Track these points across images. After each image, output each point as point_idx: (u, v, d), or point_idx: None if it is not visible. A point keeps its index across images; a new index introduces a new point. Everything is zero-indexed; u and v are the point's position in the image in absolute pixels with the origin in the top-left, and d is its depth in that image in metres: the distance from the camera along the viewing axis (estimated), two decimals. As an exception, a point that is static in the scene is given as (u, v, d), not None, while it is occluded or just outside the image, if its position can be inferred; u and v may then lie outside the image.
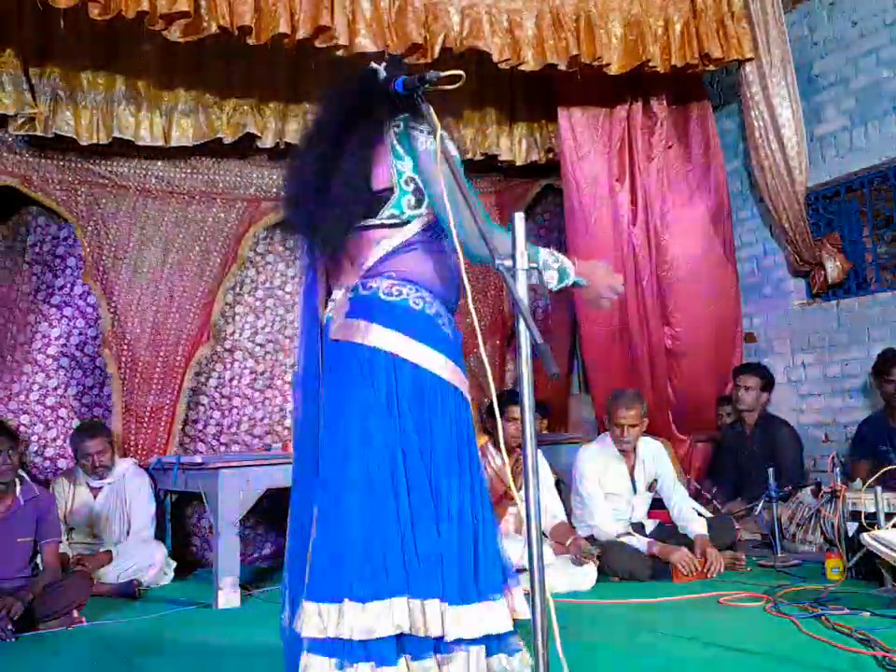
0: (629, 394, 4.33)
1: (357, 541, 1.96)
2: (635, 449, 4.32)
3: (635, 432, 4.24)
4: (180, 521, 5.13)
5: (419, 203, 2.12)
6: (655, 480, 4.37)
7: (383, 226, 2.12)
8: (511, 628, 2.03)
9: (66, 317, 5.13)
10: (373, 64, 2.17)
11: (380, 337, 2.06)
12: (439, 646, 1.98)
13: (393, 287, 2.10)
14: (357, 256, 2.14)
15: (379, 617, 1.90)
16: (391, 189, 2.11)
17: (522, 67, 4.63)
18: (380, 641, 1.91)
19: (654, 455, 4.37)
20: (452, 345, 2.15)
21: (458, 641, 1.97)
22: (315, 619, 1.93)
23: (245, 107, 4.93)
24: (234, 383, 5.44)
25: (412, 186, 2.11)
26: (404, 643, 1.96)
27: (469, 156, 5.37)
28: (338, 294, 2.18)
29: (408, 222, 2.13)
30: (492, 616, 1.99)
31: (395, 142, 2.11)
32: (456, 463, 2.07)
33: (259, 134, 4.96)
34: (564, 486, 5.06)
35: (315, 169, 2.10)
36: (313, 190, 2.09)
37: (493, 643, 2.03)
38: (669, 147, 5.56)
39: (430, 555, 1.98)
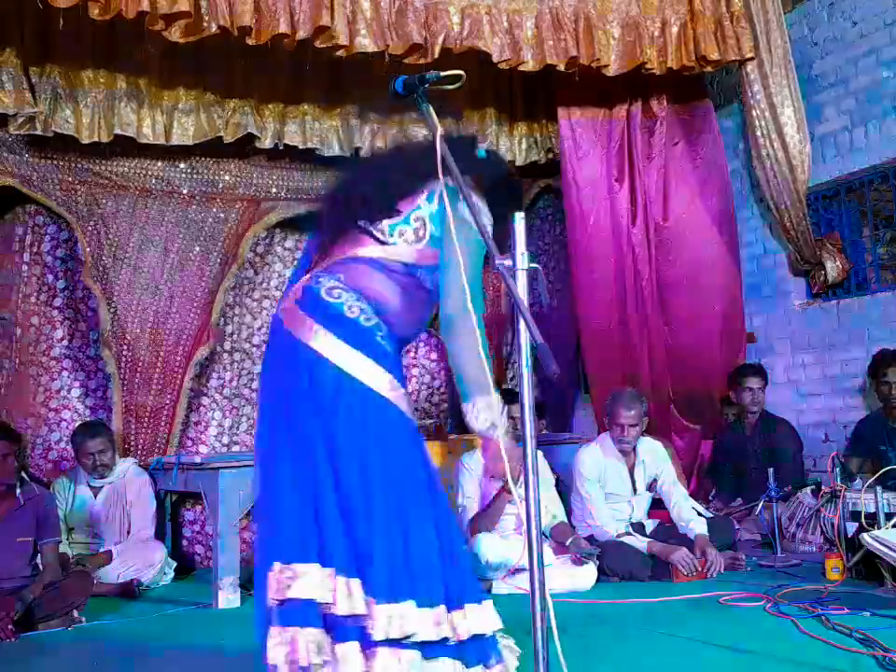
0: (629, 394, 4.33)
1: (287, 511, 2.02)
2: (634, 449, 4.32)
3: (635, 432, 4.24)
4: (180, 521, 5.13)
5: (416, 240, 2.20)
6: (655, 480, 4.37)
7: (370, 234, 2.21)
8: (433, 637, 1.97)
9: (69, 319, 5.13)
10: (481, 145, 2.30)
11: (326, 345, 2.10)
12: (364, 638, 1.96)
13: (334, 289, 2.15)
14: (335, 251, 2.24)
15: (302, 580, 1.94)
16: (400, 214, 2.21)
17: (521, 68, 4.64)
18: (296, 604, 1.93)
19: (654, 455, 4.37)
20: (392, 360, 2.16)
21: (386, 641, 1.94)
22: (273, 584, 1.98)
23: (246, 108, 4.94)
24: (234, 383, 5.45)
25: (418, 223, 2.20)
26: (330, 623, 1.95)
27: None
28: (305, 277, 2.25)
29: (390, 247, 2.20)
30: (418, 620, 1.96)
31: (435, 189, 2.19)
32: (403, 482, 2.07)
33: (258, 135, 4.96)
34: (564, 486, 5.06)
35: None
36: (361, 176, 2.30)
37: (437, 648, 1.99)
38: (675, 144, 5.56)
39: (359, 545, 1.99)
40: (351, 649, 1.94)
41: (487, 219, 2.17)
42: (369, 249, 2.22)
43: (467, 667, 2.02)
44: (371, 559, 1.98)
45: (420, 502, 2.08)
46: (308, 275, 2.23)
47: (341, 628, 1.96)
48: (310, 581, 1.94)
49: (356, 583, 1.97)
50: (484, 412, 2.10)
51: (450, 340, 2.13)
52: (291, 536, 2.00)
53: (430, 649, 1.99)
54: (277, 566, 1.98)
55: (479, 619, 2.04)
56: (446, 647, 2.00)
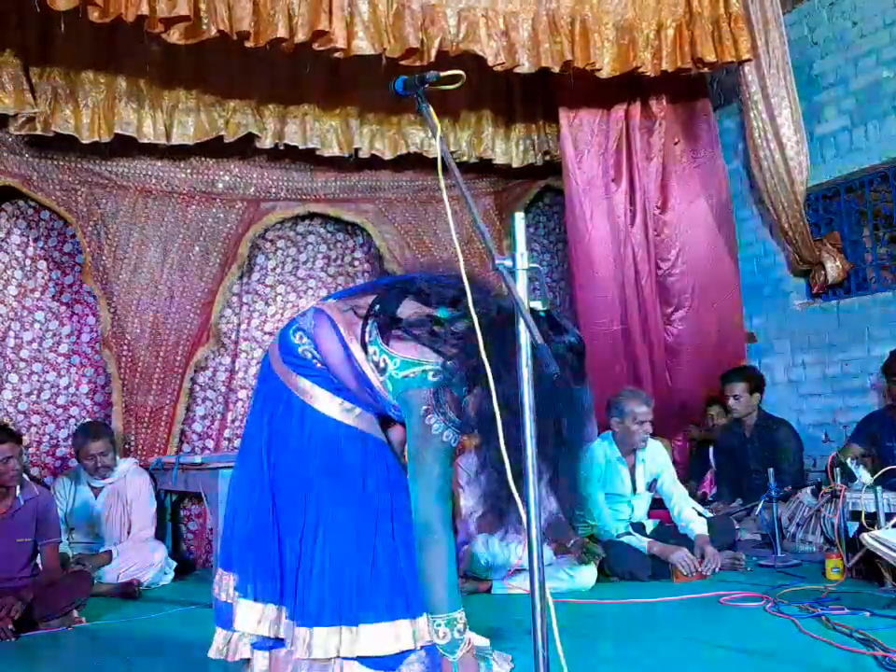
0: (642, 392, 4.33)
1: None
2: (634, 450, 4.32)
3: (648, 428, 4.23)
4: (180, 521, 5.13)
5: (379, 371, 2.14)
6: (655, 480, 4.37)
7: (362, 331, 2.17)
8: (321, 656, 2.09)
9: (77, 315, 5.13)
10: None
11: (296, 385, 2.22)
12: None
13: (302, 338, 2.23)
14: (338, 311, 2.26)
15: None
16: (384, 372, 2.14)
17: (517, 70, 4.64)
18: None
19: (654, 455, 4.37)
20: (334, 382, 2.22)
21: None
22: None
23: (246, 108, 4.94)
24: (240, 375, 5.44)
25: (371, 373, 2.15)
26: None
27: (465, 159, 5.38)
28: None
29: (370, 361, 2.15)
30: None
31: (371, 336, 2.16)
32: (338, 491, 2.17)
33: (258, 135, 4.96)
34: (564, 486, 5.06)
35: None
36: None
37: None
38: (676, 143, 5.56)
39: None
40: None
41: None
42: (346, 332, 2.20)
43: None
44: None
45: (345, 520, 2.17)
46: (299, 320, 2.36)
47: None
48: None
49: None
50: (442, 628, 2.09)
51: (421, 550, 2.10)
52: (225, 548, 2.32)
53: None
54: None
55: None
56: None
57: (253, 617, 2.17)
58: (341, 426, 2.20)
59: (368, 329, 2.17)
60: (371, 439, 2.23)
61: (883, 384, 4.71)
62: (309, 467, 2.16)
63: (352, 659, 2.09)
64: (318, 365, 2.21)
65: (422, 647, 2.13)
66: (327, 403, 2.20)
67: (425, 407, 2.05)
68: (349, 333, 2.18)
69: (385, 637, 2.09)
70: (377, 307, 2.18)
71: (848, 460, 4.02)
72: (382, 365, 2.13)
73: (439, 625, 2.05)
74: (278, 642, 2.18)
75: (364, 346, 2.16)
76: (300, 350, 2.22)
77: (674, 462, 4.72)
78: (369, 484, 2.18)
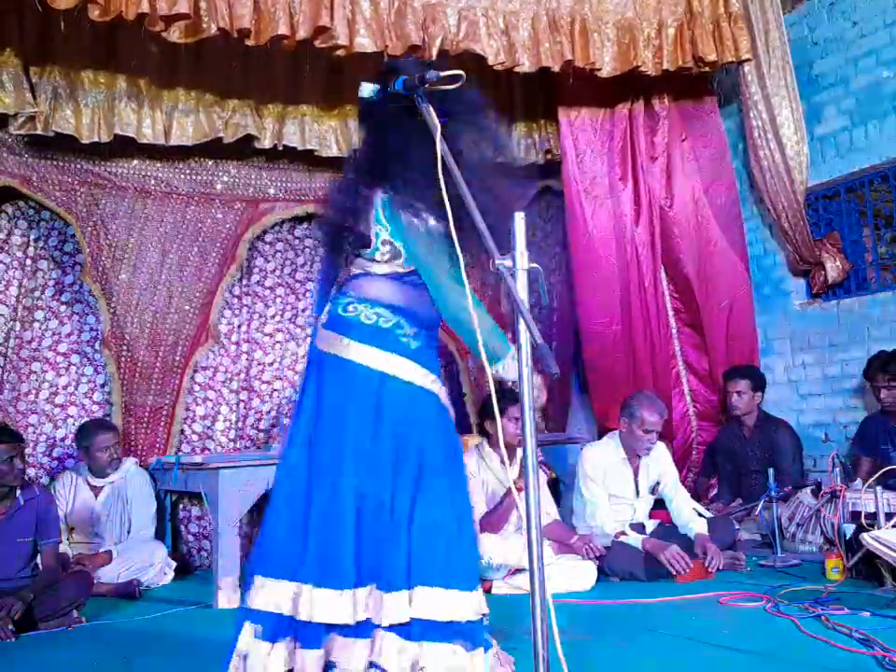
0: (659, 401, 4.32)
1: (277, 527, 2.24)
2: (639, 454, 4.31)
3: (654, 438, 4.23)
4: (180, 521, 5.12)
5: (392, 258, 2.31)
6: (658, 482, 4.37)
7: (360, 256, 2.36)
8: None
9: (77, 314, 5.12)
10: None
11: (358, 353, 2.26)
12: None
13: (349, 305, 2.32)
14: (343, 274, 2.42)
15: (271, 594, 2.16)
16: (369, 239, 2.32)
17: (517, 70, 4.64)
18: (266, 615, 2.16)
19: (658, 458, 4.37)
20: (418, 353, 2.31)
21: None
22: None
23: (245, 109, 4.93)
24: (241, 376, 5.44)
25: (387, 246, 2.31)
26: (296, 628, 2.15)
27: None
28: (328, 306, 2.42)
29: (377, 263, 2.33)
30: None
31: (378, 207, 2.30)
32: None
33: (257, 136, 4.96)
34: (563, 486, 5.06)
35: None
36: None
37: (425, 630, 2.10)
38: (683, 140, 5.55)
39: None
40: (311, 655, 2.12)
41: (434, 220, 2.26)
42: (364, 267, 2.36)
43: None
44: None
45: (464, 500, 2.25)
46: (329, 302, 2.40)
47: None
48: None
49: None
50: (511, 365, 2.22)
51: (458, 329, 2.25)
52: (272, 551, 2.22)
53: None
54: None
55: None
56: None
57: (343, 606, 2.11)
58: (428, 393, 2.28)
59: (359, 255, 2.35)
60: (446, 410, 2.33)
61: (868, 388, 4.73)
62: (416, 437, 2.22)
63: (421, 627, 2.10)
64: (385, 324, 2.27)
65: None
66: (411, 373, 2.27)
67: (413, 219, 2.24)
68: (363, 265, 2.34)
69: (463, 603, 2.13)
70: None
71: (858, 481, 4.02)
72: (393, 252, 2.30)
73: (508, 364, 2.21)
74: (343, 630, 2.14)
75: (374, 261, 2.32)
76: (362, 318, 2.28)
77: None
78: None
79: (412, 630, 2.10)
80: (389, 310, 2.29)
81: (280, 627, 2.14)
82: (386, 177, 2.27)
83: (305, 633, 2.12)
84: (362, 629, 2.12)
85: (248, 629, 2.18)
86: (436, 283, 2.24)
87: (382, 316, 2.28)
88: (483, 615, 2.21)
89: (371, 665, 2.08)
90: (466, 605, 2.13)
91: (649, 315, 5.48)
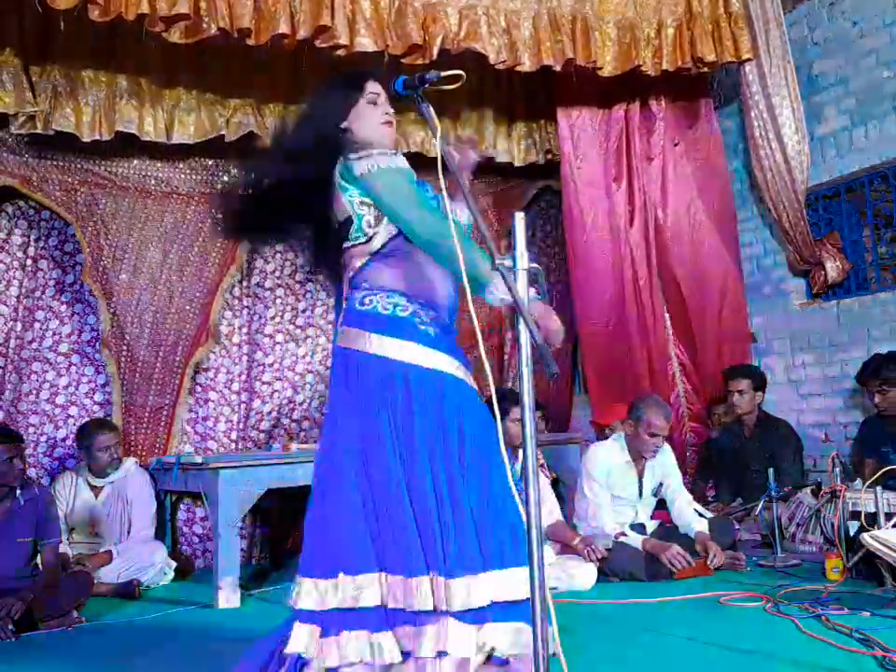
0: (666, 405, 4.31)
1: (346, 525, 2.17)
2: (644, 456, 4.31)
3: (659, 442, 4.22)
4: (180, 521, 5.12)
5: (378, 221, 2.29)
6: (661, 484, 4.36)
7: (354, 247, 2.32)
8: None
9: (77, 314, 5.12)
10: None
11: (381, 346, 2.25)
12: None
13: (365, 297, 2.30)
14: (345, 273, 2.37)
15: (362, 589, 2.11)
16: (351, 217, 2.30)
17: (518, 69, 4.65)
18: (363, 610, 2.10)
19: (662, 460, 4.36)
20: (437, 340, 2.28)
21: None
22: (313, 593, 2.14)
23: (247, 107, 4.93)
24: (242, 377, 5.43)
25: (366, 208, 2.29)
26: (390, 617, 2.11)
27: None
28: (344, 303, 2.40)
29: (372, 238, 2.30)
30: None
31: (338, 177, 2.31)
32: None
33: (259, 133, 4.94)
34: (563, 486, 5.06)
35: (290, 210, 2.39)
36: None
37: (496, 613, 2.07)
38: (676, 145, 5.56)
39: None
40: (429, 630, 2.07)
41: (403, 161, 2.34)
42: (364, 253, 2.32)
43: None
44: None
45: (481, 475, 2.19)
46: (344, 302, 2.38)
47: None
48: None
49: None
50: (498, 287, 2.08)
51: (435, 256, 2.21)
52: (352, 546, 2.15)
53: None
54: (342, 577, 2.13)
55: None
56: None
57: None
58: (455, 380, 2.26)
59: (346, 242, 2.33)
60: (475, 392, 2.31)
61: (865, 392, 4.73)
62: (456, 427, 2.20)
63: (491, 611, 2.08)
64: (402, 312, 2.25)
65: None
66: (433, 360, 2.24)
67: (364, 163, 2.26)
68: (357, 252, 2.32)
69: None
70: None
71: (858, 481, 4.02)
72: (373, 222, 2.30)
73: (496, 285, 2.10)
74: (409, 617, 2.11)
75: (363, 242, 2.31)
76: (379, 309, 2.26)
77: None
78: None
79: (476, 614, 2.07)
80: (406, 298, 2.28)
81: (375, 619, 2.11)
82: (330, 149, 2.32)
83: (377, 619, 2.11)
84: (428, 616, 2.08)
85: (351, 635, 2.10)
86: (404, 215, 2.21)
87: (398, 305, 2.27)
88: None
89: (440, 653, 2.04)
90: (525, 581, 2.11)
91: (644, 315, 5.49)
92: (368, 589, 2.10)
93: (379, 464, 2.17)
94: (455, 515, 2.12)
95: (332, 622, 2.11)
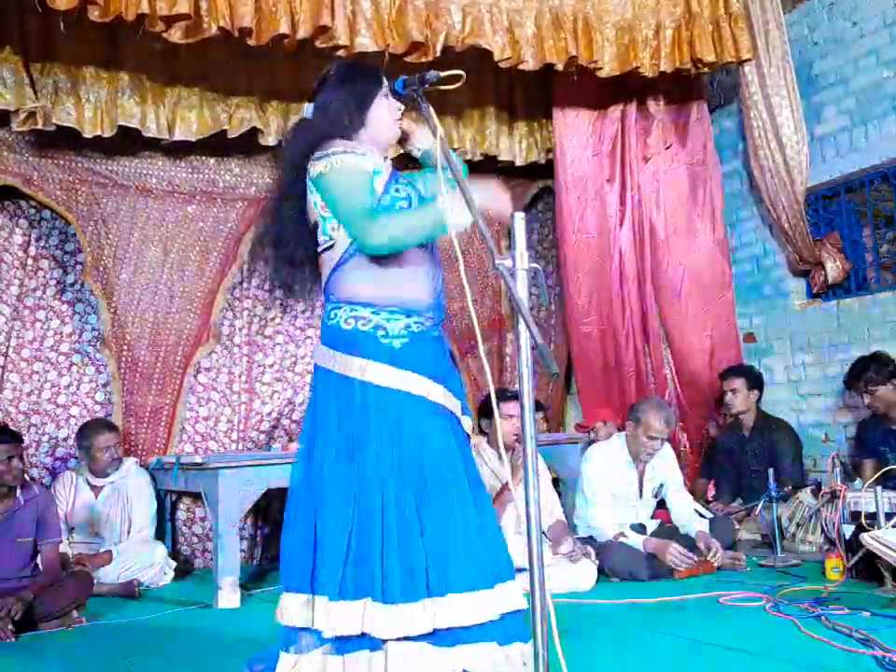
0: (668, 408, 4.31)
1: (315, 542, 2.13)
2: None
3: (657, 445, 4.22)
4: (180, 521, 5.13)
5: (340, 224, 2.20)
6: (661, 485, 4.36)
7: (323, 251, 2.26)
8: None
9: (78, 314, 5.12)
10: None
11: (346, 365, 2.16)
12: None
13: (331, 310, 2.23)
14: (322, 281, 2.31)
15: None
16: (317, 222, 2.24)
17: (521, 66, 4.64)
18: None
19: (663, 461, 4.36)
20: (404, 354, 2.17)
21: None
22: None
23: (249, 104, 4.91)
24: (243, 378, 5.43)
25: (328, 211, 2.21)
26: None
27: (469, 157, 5.37)
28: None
29: (336, 242, 2.22)
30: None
31: (308, 177, 2.23)
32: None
33: (262, 129, 4.91)
34: (563, 486, 5.06)
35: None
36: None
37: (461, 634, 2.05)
38: (667, 148, 5.57)
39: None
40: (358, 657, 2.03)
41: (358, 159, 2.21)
42: (328, 259, 2.25)
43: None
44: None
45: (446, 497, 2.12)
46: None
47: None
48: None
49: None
50: (457, 210, 2.07)
51: (398, 250, 2.16)
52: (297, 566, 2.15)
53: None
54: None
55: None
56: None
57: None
58: (409, 396, 2.15)
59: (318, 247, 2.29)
60: (436, 408, 2.20)
61: (854, 395, 4.73)
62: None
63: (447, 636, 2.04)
64: (363, 327, 2.16)
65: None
66: (392, 378, 2.15)
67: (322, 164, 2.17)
68: (325, 259, 2.27)
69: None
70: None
71: (858, 480, 4.02)
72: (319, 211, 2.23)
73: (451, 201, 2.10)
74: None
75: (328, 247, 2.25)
76: (342, 324, 2.18)
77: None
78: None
79: (444, 637, 2.03)
80: (368, 309, 2.17)
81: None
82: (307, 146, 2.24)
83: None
84: (370, 641, 2.04)
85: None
86: (351, 230, 2.13)
87: (360, 319, 2.17)
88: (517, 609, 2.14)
89: None
90: (493, 601, 2.09)
91: (633, 316, 5.53)
92: (290, 609, 2.12)
93: (331, 487, 2.10)
94: (400, 543, 2.04)
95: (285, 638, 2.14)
